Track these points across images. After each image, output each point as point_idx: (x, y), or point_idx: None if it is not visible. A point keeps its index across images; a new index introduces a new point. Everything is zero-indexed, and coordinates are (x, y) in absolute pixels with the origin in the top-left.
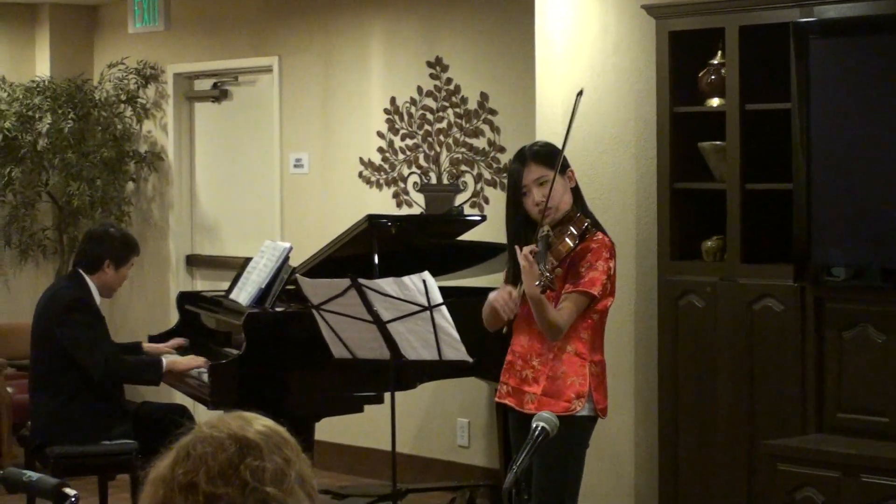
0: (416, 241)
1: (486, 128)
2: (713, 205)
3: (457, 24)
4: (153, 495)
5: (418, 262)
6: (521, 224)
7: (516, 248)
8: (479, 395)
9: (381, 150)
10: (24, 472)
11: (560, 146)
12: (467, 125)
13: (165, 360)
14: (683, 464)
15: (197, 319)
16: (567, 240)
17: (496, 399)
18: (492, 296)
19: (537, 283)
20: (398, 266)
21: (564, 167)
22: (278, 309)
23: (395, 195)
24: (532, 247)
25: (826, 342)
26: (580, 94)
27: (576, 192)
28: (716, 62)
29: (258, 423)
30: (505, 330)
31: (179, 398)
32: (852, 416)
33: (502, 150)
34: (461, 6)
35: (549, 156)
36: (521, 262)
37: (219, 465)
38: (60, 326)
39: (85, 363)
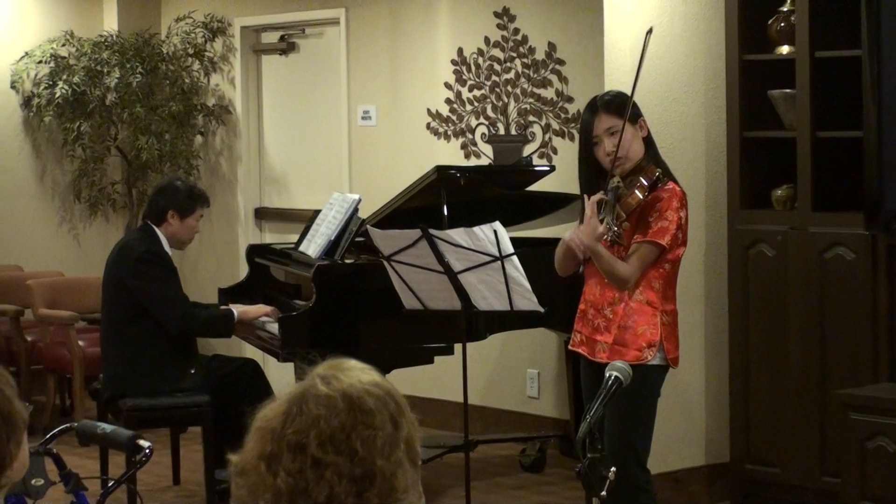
0: (484, 192)
1: (553, 78)
2: (783, 153)
3: None
4: (261, 446)
5: (487, 213)
6: (593, 175)
7: (584, 196)
8: (549, 346)
9: (448, 101)
10: (99, 424)
11: (629, 93)
12: (535, 75)
13: (236, 310)
14: (755, 414)
15: (266, 272)
16: (636, 191)
17: (570, 347)
18: (567, 235)
19: (605, 236)
20: (467, 217)
21: (636, 116)
22: (348, 261)
23: (464, 146)
24: (600, 195)
25: None
26: (650, 32)
27: (648, 141)
28: (785, 9)
29: (370, 382)
30: (582, 269)
31: (250, 351)
32: None
33: (570, 99)
34: None
35: (621, 105)
36: (587, 209)
37: (330, 430)
38: (134, 279)
39: (161, 318)
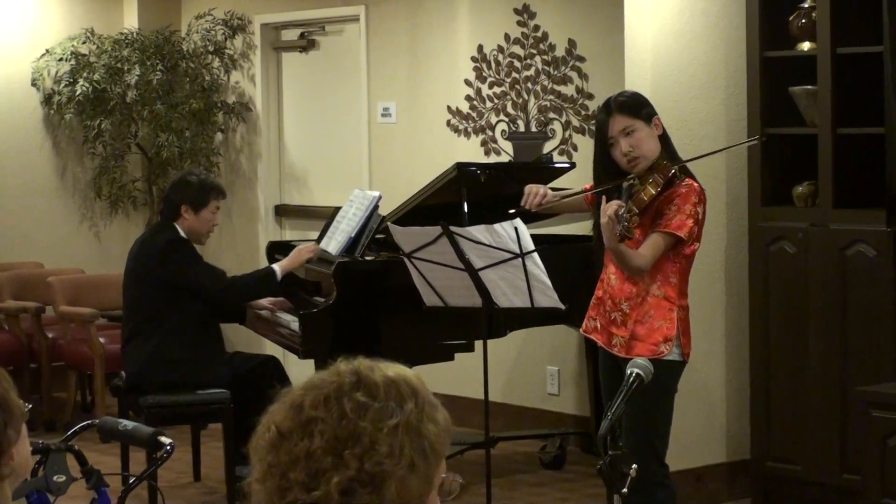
0: (504, 188)
1: (574, 75)
2: (804, 150)
3: None
4: (277, 410)
5: (507, 210)
6: (611, 174)
7: (604, 198)
8: (570, 343)
9: (468, 98)
10: (120, 420)
11: (647, 95)
12: (555, 72)
13: (277, 266)
14: (775, 410)
15: None
16: (649, 187)
17: (582, 331)
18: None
19: (616, 232)
20: (487, 214)
21: (650, 115)
22: (368, 258)
23: (483, 143)
24: (616, 204)
25: None
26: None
27: (663, 139)
28: (806, 5)
29: (393, 371)
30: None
31: (270, 348)
32: None
33: (591, 96)
34: None
35: (635, 105)
36: (602, 218)
37: (326, 392)
38: (164, 268)
39: (205, 295)
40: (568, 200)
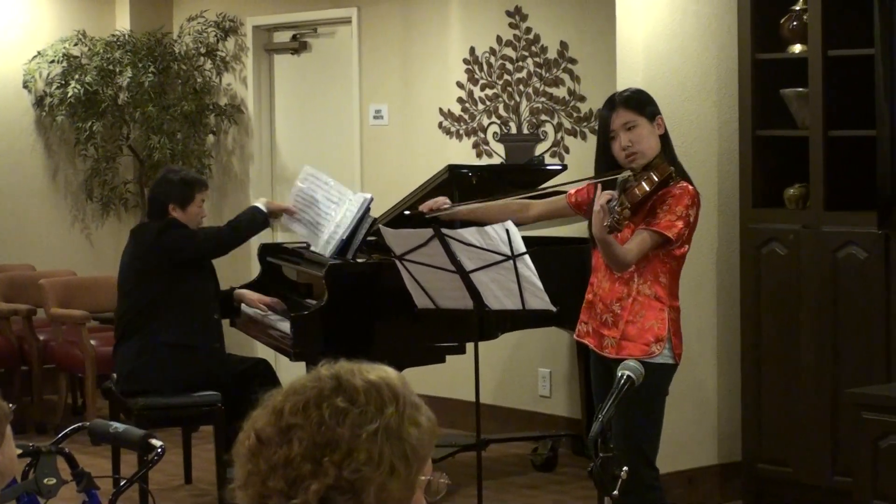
0: (496, 190)
1: (566, 77)
2: (796, 152)
3: None
4: (258, 416)
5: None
6: (611, 167)
7: (598, 187)
8: (561, 345)
9: (460, 100)
10: (111, 423)
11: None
12: (547, 74)
13: (261, 203)
14: (767, 412)
15: (278, 271)
16: (644, 183)
17: (575, 337)
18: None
19: (605, 222)
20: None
21: (653, 114)
22: (359, 260)
23: (475, 145)
24: (609, 194)
25: None
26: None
27: (664, 139)
28: (798, 8)
29: (375, 374)
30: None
31: (262, 351)
32: None
33: (582, 99)
34: None
35: (639, 102)
36: (595, 206)
37: (306, 399)
38: (161, 249)
39: (205, 253)
40: (493, 207)
